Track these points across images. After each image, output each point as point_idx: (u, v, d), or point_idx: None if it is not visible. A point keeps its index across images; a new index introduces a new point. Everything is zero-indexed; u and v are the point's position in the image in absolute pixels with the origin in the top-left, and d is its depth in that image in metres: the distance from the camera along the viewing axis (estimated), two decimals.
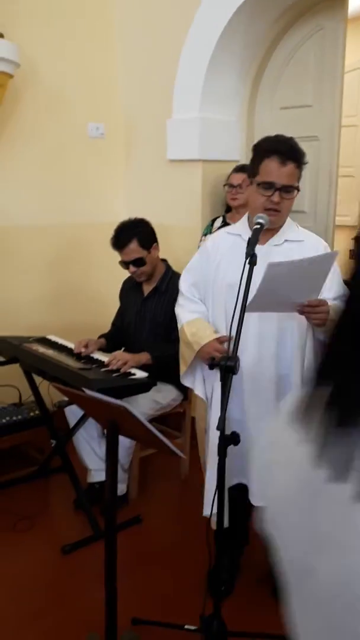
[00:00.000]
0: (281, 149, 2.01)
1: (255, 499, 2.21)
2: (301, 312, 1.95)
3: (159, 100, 3.65)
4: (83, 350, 2.88)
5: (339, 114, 3.30)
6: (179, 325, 2.32)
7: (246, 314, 1.82)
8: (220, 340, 2.14)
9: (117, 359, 2.72)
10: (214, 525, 2.25)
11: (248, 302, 1.85)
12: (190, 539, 2.73)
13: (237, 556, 2.51)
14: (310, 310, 1.92)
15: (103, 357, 2.85)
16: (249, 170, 2.13)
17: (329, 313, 1.92)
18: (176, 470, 3.33)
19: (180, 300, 2.38)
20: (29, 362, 2.82)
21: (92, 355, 2.88)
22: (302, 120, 3.41)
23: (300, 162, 2.05)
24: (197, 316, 2.27)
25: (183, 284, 2.35)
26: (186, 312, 2.30)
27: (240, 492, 2.25)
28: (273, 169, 2.01)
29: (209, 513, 2.24)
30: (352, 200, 7.36)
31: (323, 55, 3.28)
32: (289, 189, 2.03)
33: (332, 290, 2.03)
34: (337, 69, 3.23)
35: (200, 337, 2.18)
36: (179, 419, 3.32)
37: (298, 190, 2.07)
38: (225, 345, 2.09)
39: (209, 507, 2.24)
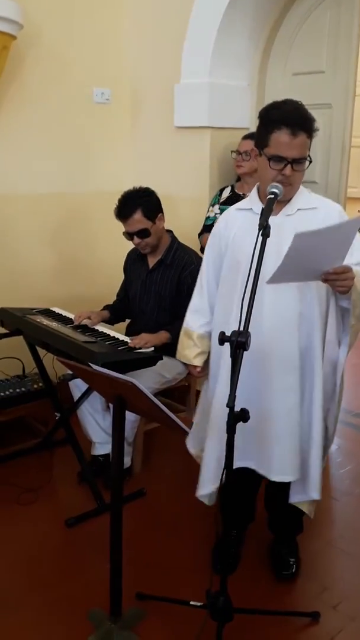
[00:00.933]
0: (291, 120, 1.91)
1: (274, 474, 2.15)
2: (325, 280, 1.88)
3: (167, 64, 3.53)
4: (86, 321, 2.83)
5: (353, 80, 3.19)
6: (185, 319, 2.37)
7: (260, 287, 1.76)
8: (196, 371, 2.37)
9: (139, 339, 2.68)
10: (207, 502, 2.24)
11: (272, 275, 1.79)
12: (194, 513, 2.71)
13: (241, 532, 2.49)
14: (336, 277, 1.85)
15: (112, 332, 2.80)
16: (256, 139, 2.04)
17: (353, 280, 1.86)
18: (181, 443, 3.28)
19: (196, 297, 2.33)
20: (33, 335, 2.76)
21: (97, 328, 2.83)
22: (314, 87, 3.29)
23: (312, 131, 1.96)
24: (198, 331, 2.31)
25: (204, 275, 2.31)
26: (196, 319, 2.33)
27: (244, 471, 2.22)
28: (283, 142, 1.92)
29: (206, 493, 2.22)
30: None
31: (338, 19, 3.15)
32: (300, 161, 1.95)
33: (353, 255, 1.95)
34: (353, 34, 3.11)
35: (187, 357, 2.36)
36: (184, 393, 3.29)
37: (310, 161, 1.98)
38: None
39: (207, 487, 2.21)
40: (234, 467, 1.86)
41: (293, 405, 2.10)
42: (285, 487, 2.21)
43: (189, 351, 2.35)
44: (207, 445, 2.20)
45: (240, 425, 1.71)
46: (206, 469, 2.21)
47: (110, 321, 3.07)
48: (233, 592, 1.89)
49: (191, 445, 2.47)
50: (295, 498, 2.22)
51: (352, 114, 3.21)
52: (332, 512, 2.76)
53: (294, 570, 2.33)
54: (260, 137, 2.01)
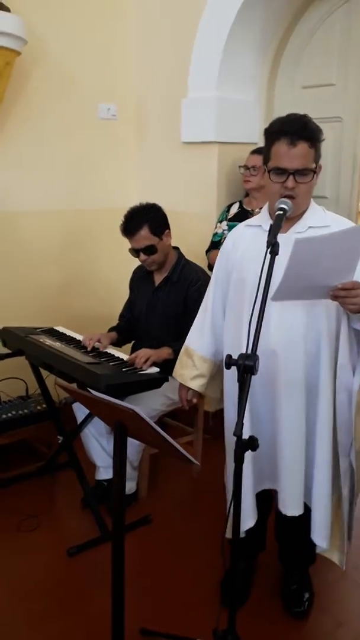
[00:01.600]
0: (289, 129, 1.81)
1: (286, 508, 2.03)
2: (334, 298, 1.76)
3: (173, 79, 3.47)
4: (97, 345, 2.73)
5: None
6: (188, 337, 2.30)
7: (267, 306, 1.66)
8: (188, 397, 2.29)
9: (139, 356, 2.58)
10: (228, 535, 2.10)
11: (275, 290, 1.69)
12: (202, 541, 2.60)
13: (252, 562, 2.37)
14: (346, 294, 1.72)
15: (115, 353, 2.71)
16: (264, 155, 1.96)
17: None
18: (188, 468, 3.20)
19: (200, 315, 2.26)
20: (35, 355, 2.68)
21: (105, 350, 2.74)
22: (324, 100, 3.22)
23: (314, 139, 1.85)
24: (199, 352, 2.23)
25: (210, 293, 2.21)
26: (198, 338, 2.25)
27: (263, 497, 2.11)
28: (283, 153, 1.83)
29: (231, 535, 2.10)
30: None
31: (349, 31, 3.08)
32: (303, 172, 1.85)
33: None
34: None
35: (183, 376, 2.27)
36: (191, 414, 3.18)
37: (315, 172, 1.88)
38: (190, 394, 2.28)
39: (245, 522, 2.07)
40: (259, 490, 1.73)
41: (296, 433, 1.98)
42: (295, 519, 2.07)
43: (187, 371, 2.25)
44: (227, 473, 2.09)
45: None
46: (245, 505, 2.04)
47: (118, 343, 2.98)
48: (241, 627, 1.78)
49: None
50: (318, 549, 2.09)
51: None
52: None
53: (306, 607, 2.20)
54: (265, 153, 1.93)
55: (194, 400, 2.33)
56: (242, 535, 2.08)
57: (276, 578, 2.34)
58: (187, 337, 2.28)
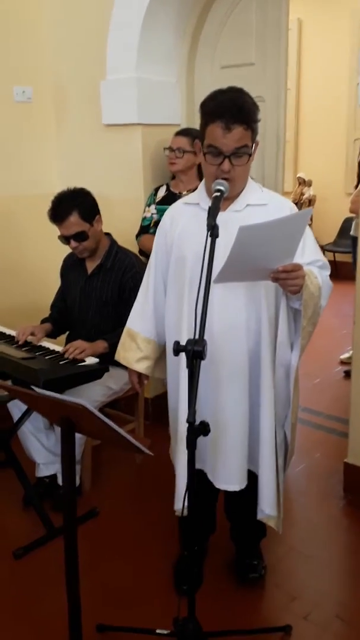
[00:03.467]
0: (225, 112, 1.78)
1: (219, 482, 2.07)
2: (275, 280, 1.78)
3: (90, 60, 3.36)
4: (30, 338, 2.63)
5: (284, 72, 3.13)
6: (129, 319, 2.23)
7: (210, 288, 1.65)
8: (134, 378, 2.23)
9: (73, 346, 2.49)
10: (178, 513, 2.11)
11: (218, 272, 1.68)
12: (152, 529, 2.58)
13: (204, 544, 2.38)
14: (286, 276, 1.76)
15: (50, 345, 2.62)
16: (199, 133, 1.92)
17: (304, 278, 1.77)
18: (130, 456, 3.17)
19: (141, 297, 2.20)
20: None
21: (40, 343, 2.64)
22: (245, 80, 3.15)
23: (250, 122, 1.83)
24: (143, 334, 2.19)
25: (151, 272, 2.16)
26: (140, 320, 2.19)
27: (201, 478, 2.11)
28: (218, 136, 1.80)
29: (180, 508, 2.09)
30: (288, 167, 7.28)
31: (265, 9, 3.08)
32: (239, 154, 1.83)
33: (304, 254, 1.87)
34: (282, 24, 3.05)
35: (127, 359, 2.21)
36: (132, 401, 3.14)
37: (249, 154, 1.87)
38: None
39: (180, 501, 2.08)
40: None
41: (240, 412, 2.01)
42: (243, 495, 2.11)
43: (131, 354, 2.20)
44: (179, 459, 2.07)
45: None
46: (182, 483, 2.07)
47: (53, 334, 2.88)
48: (198, 610, 1.77)
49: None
50: (260, 514, 2.13)
51: (285, 106, 3.15)
52: (291, 513, 2.69)
53: (262, 572, 2.24)
54: (200, 129, 1.89)
55: (145, 382, 2.29)
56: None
57: (227, 560, 2.36)
58: (129, 319, 2.22)
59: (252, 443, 2.07)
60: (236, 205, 1.94)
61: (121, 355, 2.24)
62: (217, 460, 2.06)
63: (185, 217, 2.03)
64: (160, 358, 2.23)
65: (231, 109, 1.79)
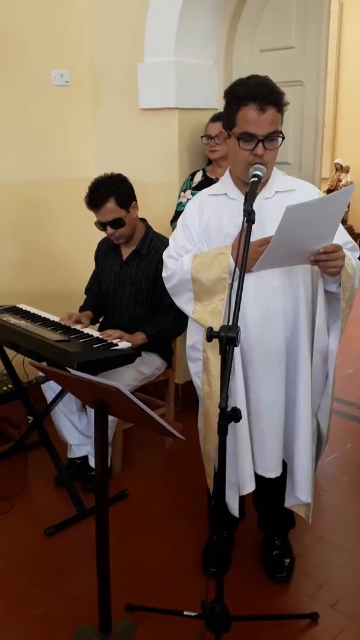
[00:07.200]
0: (258, 94, 1.76)
1: (265, 470, 2.07)
2: (315, 262, 1.77)
3: (128, 43, 3.35)
4: (78, 327, 2.65)
5: (324, 56, 3.07)
6: (185, 268, 1.97)
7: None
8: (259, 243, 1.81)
9: (113, 335, 2.52)
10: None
11: (259, 259, 1.68)
12: (181, 512, 2.61)
13: (232, 530, 2.39)
14: (327, 257, 1.74)
15: (84, 329, 2.64)
16: (224, 120, 1.90)
17: (344, 259, 1.76)
18: (160, 440, 3.19)
19: (168, 266, 2.07)
20: (0, 334, 2.59)
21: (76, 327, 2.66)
22: (284, 64, 3.16)
23: (281, 104, 1.82)
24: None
25: (172, 251, 2.08)
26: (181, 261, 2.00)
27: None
28: (252, 119, 1.78)
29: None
30: (326, 153, 7.16)
31: None
32: (272, 138, 1.81)
33: (338, 237, 1.83)
34: (323, 6, 2.99)
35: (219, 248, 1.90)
36: (162, 387, 3.16)
37: (283, 137, 1.85)
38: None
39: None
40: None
41: (276, 400, 2.00)
42: (273, 484, 2.10)
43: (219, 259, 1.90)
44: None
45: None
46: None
47: (93, 321, 2.90)
48: (225, 595, 1.79)
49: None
50: (290, 501, 2.13)
51: (324, 91, 3.09)
52: (322, 503, 2.68)
53: (287, 572, 2.23)
54: (227, 117, 1.87)
55: None
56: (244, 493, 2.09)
57: (255, 546, 2.37)
58: (181, 263, 2.00)
59: (285, 432, 2.06)
60: (265, 192, 1.93)
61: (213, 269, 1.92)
62: (254, 448, 2.05)
63: (213, 207, 2.00)
64: None
65: (264, 91, 1.78)
